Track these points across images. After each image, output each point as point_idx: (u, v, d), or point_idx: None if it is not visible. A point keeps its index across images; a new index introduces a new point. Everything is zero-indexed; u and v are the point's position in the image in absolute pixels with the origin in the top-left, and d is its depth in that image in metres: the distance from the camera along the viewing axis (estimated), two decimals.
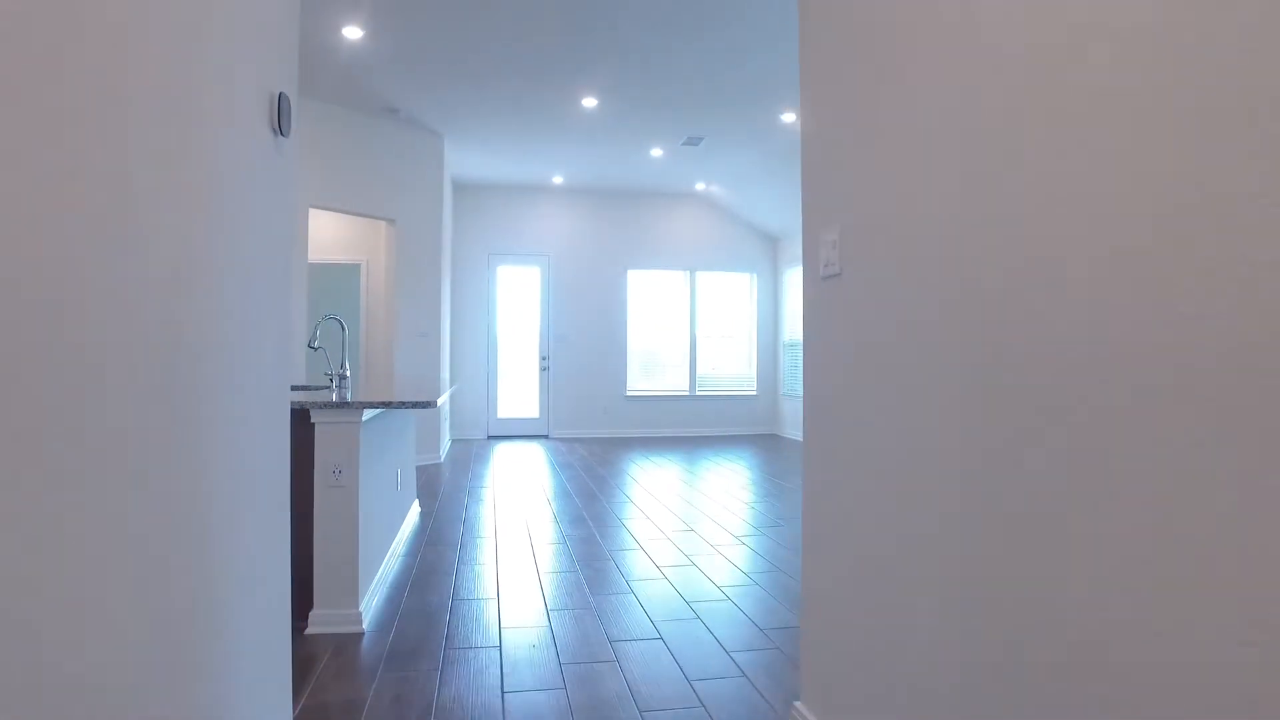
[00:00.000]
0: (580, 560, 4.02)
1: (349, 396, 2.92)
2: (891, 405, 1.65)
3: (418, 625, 2.98)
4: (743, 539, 4.54)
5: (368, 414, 2.88)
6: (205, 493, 1.18)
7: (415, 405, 2.65)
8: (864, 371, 1.77)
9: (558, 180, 9.29)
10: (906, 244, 1.59)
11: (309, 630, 2.84)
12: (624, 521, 4.93)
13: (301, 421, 2.73)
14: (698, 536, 4.56)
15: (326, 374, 3.42)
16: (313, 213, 7.92)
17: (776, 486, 6.22)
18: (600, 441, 9.40)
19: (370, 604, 3.11)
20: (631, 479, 6.56)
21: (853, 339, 1.83)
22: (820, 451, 2.02)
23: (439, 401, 2.69)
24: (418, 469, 7.02)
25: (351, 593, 2.87)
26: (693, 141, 7.47)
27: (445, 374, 7.99)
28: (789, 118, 6.53)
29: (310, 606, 2.87)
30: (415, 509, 5.01)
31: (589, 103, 6.32)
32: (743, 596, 3.52)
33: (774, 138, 7.10)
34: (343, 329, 3.60)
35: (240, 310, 1.33)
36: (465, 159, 8.32)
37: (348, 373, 3.55)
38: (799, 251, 9.82)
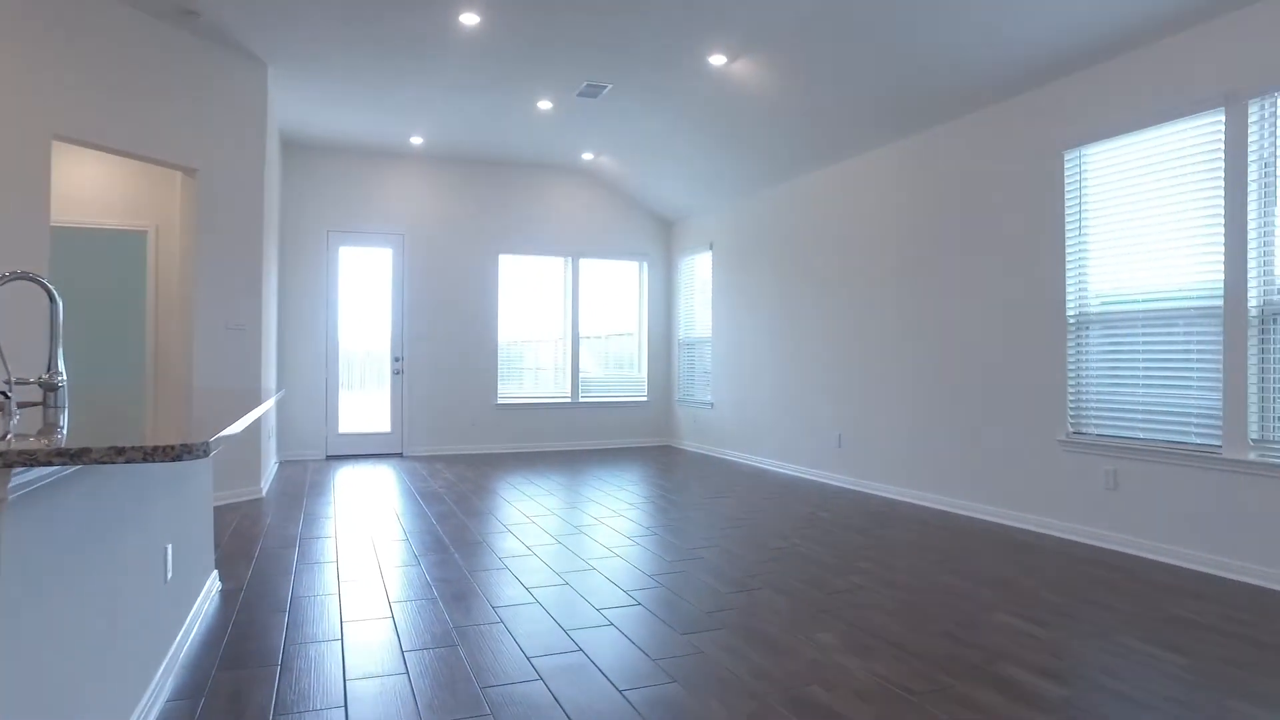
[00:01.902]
0: (482, 674, 2.54)
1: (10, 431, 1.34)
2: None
3: None
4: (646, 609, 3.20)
5: (29, 477, 1.32)
6: None
7: (155, 456, 1.11)
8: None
9: (417, 141, 7.61)
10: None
11: None
12: (535, 596, 3.47)
13: None
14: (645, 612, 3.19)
15: (4, 383, 1.77)
16: (63, 151, 5.86)
17: (676, 515, 4.95)
18: (467, 460, 7.79)
19: None
20: (517, 511, 5.08)
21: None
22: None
23: (211, 446, 1.16)
24: (223, 513, 5.20)
25: None
26: (591, 91, 6.08)
27: (269, 379, 6.15)
28: (718, 60, 5.28)
29: None
30: (210, 591, 3.32)
31: (468, 19, 4.80)
32: None
33: (696, 86, 5.84)
34: (52, 299, 1.95)
35: None
36: (299, 107, 6.50)
37: (62, 379, 1.91)
38: (697, 236, 8.65)
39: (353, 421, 8.00)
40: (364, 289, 8.07)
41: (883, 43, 4.61)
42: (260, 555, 3.99)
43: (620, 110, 6.50)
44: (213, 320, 5.30)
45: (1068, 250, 4.50)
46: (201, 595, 3.03)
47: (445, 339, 8.26)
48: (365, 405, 8.07)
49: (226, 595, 3.30)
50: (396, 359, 8.11)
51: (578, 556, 4.03)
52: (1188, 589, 3.47)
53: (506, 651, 2.70)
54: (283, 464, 7.41)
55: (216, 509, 5.11)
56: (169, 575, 2.43)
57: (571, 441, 8.82)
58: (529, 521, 4.87)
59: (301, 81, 5.95)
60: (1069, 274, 4.49)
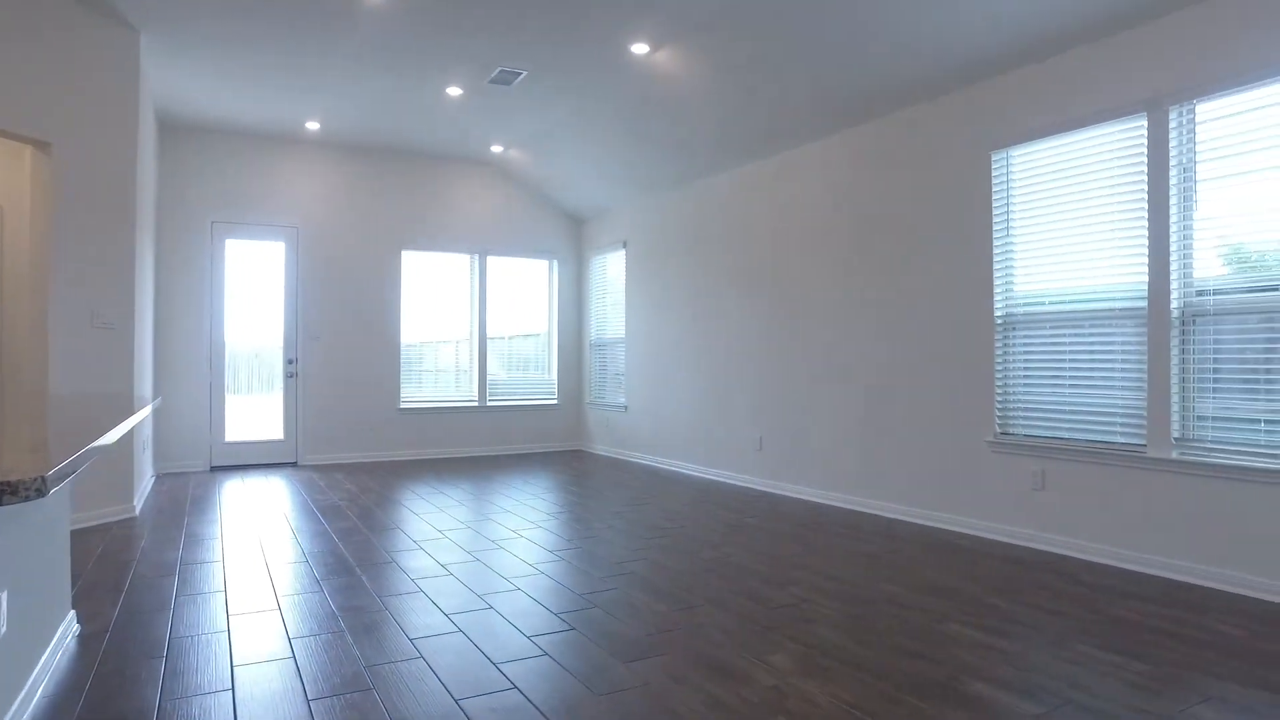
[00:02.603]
0: None
1: None
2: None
3: None
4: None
5: None
6: None
7: None
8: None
9: (313, 127, 7.05)
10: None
11: None
12: (457, 623, 3.14)
13: None
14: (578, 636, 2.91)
15: None
16: None
17: (599, 525, 4.71)
18: (369, 468, 7.29)
19: None
20: (428, 525, 4.70)
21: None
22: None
23: (49, 483, 0.83)
24: (86, 537, 4.60)
25: None
26: (505, 78, 5.75)
27: (143, 384, 5.52)
28: (640, 49, 5.06)
29: None
30: (65, 637, 2.83)
31: None
32: None
33: (617, 76, 5.59)
34: None
35: None
36: (179, 82, 5.87)
37: None
38: (610, 233, 8.41)
39: (241, 429, 7.34)
40: (254, 286, 7.43)
41: (810, 37, 4.49)
42: (131, 587, 3.48)
43: (535, 99, 6.18)
44: (74, 316, 4.68)
45: (995, 251, 4.50)
46: (52, 645, 2.56)
47: (344, 339, 7.71)
48: (255, 411, 7.43)
49: (87, 640, 2.82)
50: (290, 361, 7.50)
51: (498, 575, 3.70)
52: (1122, 589, 3.47)
53: (430, 693, 2.38)
54: (160, 477, 6.71)
55: (77, 533, 4.49)
56: (2, 629, 1.99)
57: (480, 447, 8.41)
58: (441, 536, 4.50)
59: (180, 53, 5.36)
60: (996, 275, 4.49)
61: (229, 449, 7.27)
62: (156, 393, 6.79)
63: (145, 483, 5.85)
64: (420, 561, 3.94)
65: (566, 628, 2.97)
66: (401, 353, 8.01)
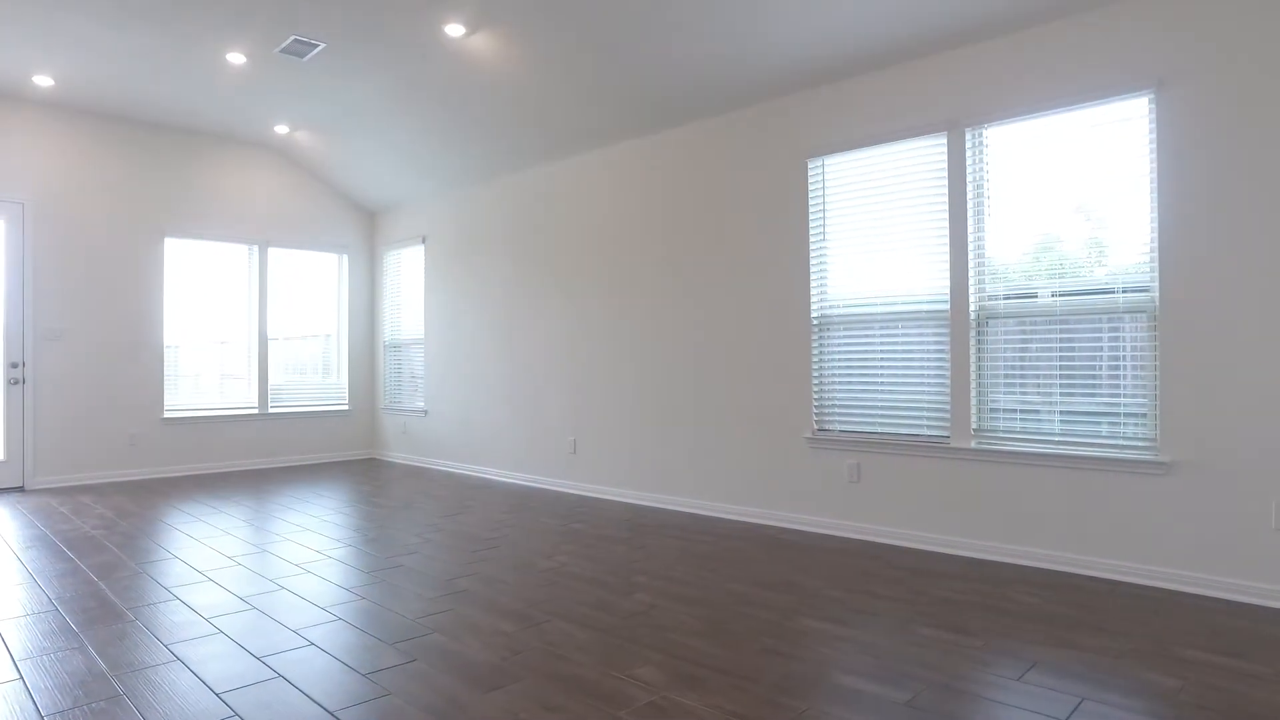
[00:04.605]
0: None
1: None
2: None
3: None
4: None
5: None
6: None
7: None
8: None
9: (44, 83, 5.92)
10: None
11: None
12: (272, 666, 2.71)
13: None
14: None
15: None
16: None
17: (413, 541, 4.39)
18: (127, 489, 6.26)
19: None
20: (209, 549, 4.07)
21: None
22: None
23: None
24: None
25: None
26: (298, 49, 5.16)
27: None
28: (455, 30, 4.74)
29: None
30: None
31: None
32: None
33: (427, 59, 5.21)
34: None
35: None
36: None
37: None
38: (408, 227, 7.90)
39: None
40: None
41: (636, 32, 4.44)
42: None
43: (331, 77, 5.62)
44: None
45: (811, 254, 4.71)
46: None
47: (92, 339, 6.57)
48: None
49: None
50: (14, 365, 6.25)
51: (311, 604, 3.26)
52: (937, 570, 3.74)
53: None
54: None
55: None
56: None
57: (262, 459, 7.54)
58: (232, 563, 3.91)
59: None
60: (812, 277, 4.70)
61: None
62: None
63: None
64: (208, 596, 3.38)
65: (406, 659, 2.65)
66: (165, 354, 6.98)
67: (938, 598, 3.32)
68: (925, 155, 4.26)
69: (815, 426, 4.67)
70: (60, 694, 2.37)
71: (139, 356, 6.81)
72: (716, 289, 5.19)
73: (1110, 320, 3.64)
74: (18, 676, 2.52)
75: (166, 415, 6.95)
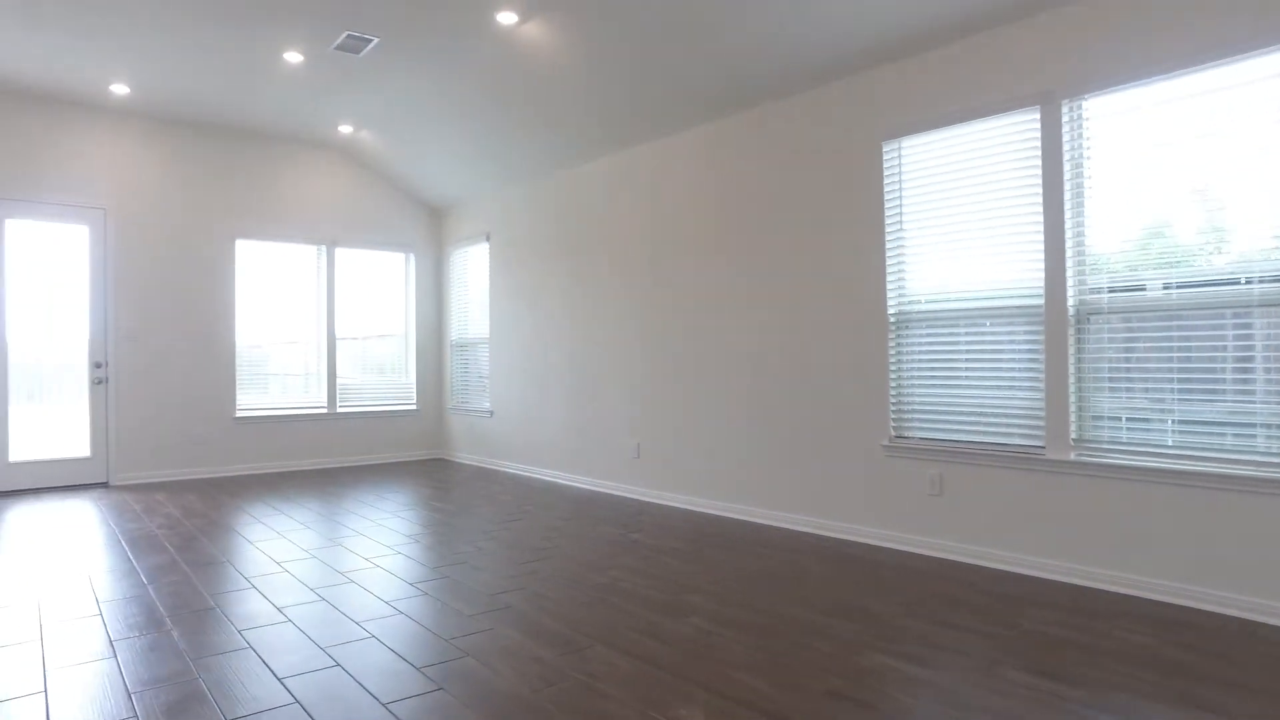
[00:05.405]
0: None
1: None
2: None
3: None
4: None
5: None
6: None
7: None
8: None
9: (121, 91, 6.05)
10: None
11: None
12: (291, 690, 2.56)
13: None
14: None
15: None
16: None
17: (466, 548, 4.20)
18: (198, 487, 6.35)
19: None
20: (262, 555, 4.00)
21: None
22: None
23: None
24: None
25: None
26: (353, 45, 5.08)
27: None
28: (508, 18, 4.55)
29: None
30: None
31: None
32: None
33: (480, 49, 5.05)
34: None
35: None
36: None
37: None
38: (472, 225, 7.81)
39: (32, 446, 6.22)
40: (50, 276, 6.31)
41: (692, 15, 4.15)
42: None
43: (387, 72, 5.52)
44: None
45: (888, 246, 4.32)
46: None
47: (168, 340, 6.71)
48: (55, 423, 6.32)
49: None
50: (98, 365, 6.44)
51: (347, 619, 3.12)
52: (1027, 597, 3.33)
53: None
54: None
55: None
56: None
57: (330, 458, 7.59)
58: (279, 570, 3.82)
59: None
60: (889, 270, 4.32)
61: (16, 471, 6.13)
62: None
63: None
64: (252, 606, 3.28)
65: (432, 686, 2.46)
66: (237, 355, 7.08)
67: (1030, 631, 2.93)
68: (1015, 133, 3.82)
69: (893, 433, 4.28)
70: (145, 671, 2.33)
71: (213, 357, 6.92)
72: (786, 283, 4.85)
73: (1236, 315, 3.16)
74: (112, 655, 2.58)
75: (239, 415, 7.05)
